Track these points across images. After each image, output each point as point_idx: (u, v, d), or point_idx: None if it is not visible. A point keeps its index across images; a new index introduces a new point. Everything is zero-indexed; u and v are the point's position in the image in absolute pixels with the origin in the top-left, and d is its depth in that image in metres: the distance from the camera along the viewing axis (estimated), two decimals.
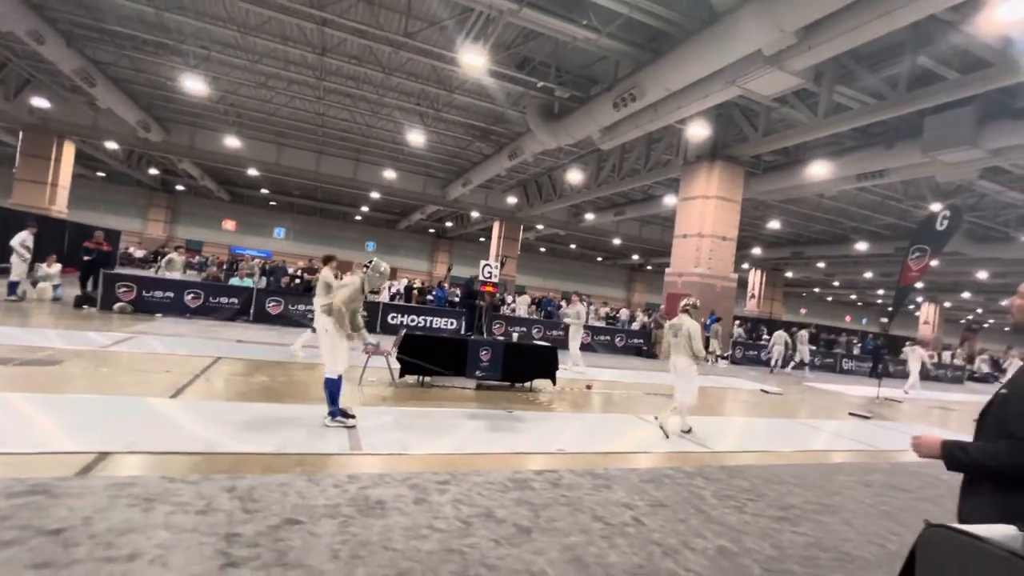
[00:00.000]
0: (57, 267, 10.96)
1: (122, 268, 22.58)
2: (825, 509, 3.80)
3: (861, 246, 23.74)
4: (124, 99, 17.48)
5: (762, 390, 10.46)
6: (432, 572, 2.31)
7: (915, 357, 13.60)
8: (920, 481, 4.92)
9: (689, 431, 5.56)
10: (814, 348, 17.08)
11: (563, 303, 23.00)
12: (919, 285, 11.15)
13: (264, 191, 33.99)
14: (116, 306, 9.82)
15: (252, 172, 24.71)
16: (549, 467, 4.00)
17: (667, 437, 5.31)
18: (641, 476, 4.04)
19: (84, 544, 2.19)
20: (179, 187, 34.45)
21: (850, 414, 8.69)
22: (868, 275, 31.41)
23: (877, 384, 11.56)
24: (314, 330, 7.43)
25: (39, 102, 18.20)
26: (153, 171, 29.68)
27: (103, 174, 31.70)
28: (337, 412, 4.29)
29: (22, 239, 9.82)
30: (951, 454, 1.62)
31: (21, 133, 20.04)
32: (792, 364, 15.27)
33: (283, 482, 3.08)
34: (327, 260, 6.71)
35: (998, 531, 0.82)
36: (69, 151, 21.39)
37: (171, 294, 10.39)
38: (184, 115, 20.53)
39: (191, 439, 3.64)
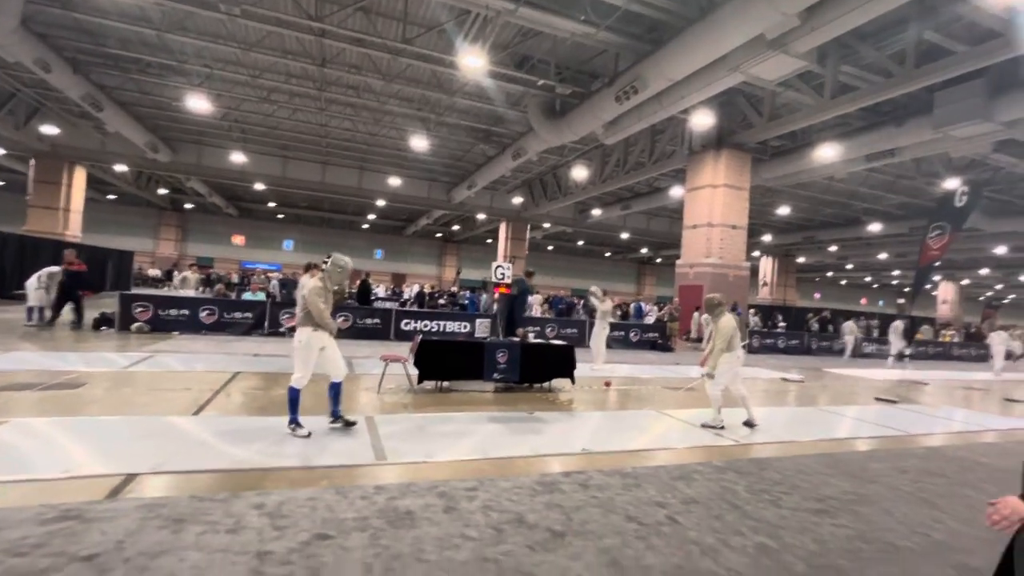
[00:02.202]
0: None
1: (138, 288, 22.89)
2: (862, 499, 3.70)
3: (874, 227, 23.39)
4: (131, 122, 17.72)
5: (783, 378, 10.31)
6: None
7: (999, 340, 13.87)
8: (956, 466, 4.79)
9: (719, 427, 5.48)
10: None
11: (576, 300, 22.90)
12: (938, 264, 10.92)
13: (271, 204, 34.28)
14: (134, 326, 9.91)
15: (259, 186, 24.92)
16: (576, 468, 3.95)
17: (756, 426, 5.55)
18: (671, 473, 3.97)
19: (118, 569, 2.17)
20: (188, 205, 34.87)
21: (876, 399, 8.53)
22: (882, 256, 30.93)
23: (902, 367, 11.37)
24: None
25: (48, 129, 18.51)
26: (162, 191, 30.09)
27: (114, 196, 32.17)
28: (294, 420, 4.23)
29: (50, 271, 9.83)
30: None
31: (32, 161, 20.39)
32: (891, 357, 14.85)
33: (311, 496, 3.05)
34: (308, 268, 6.71)
35: None
36: (80, 176, 21.73)
37: (186, 311, 10.48)
38: (190, 134, 20.76)
39: (216, 456, 3.63)
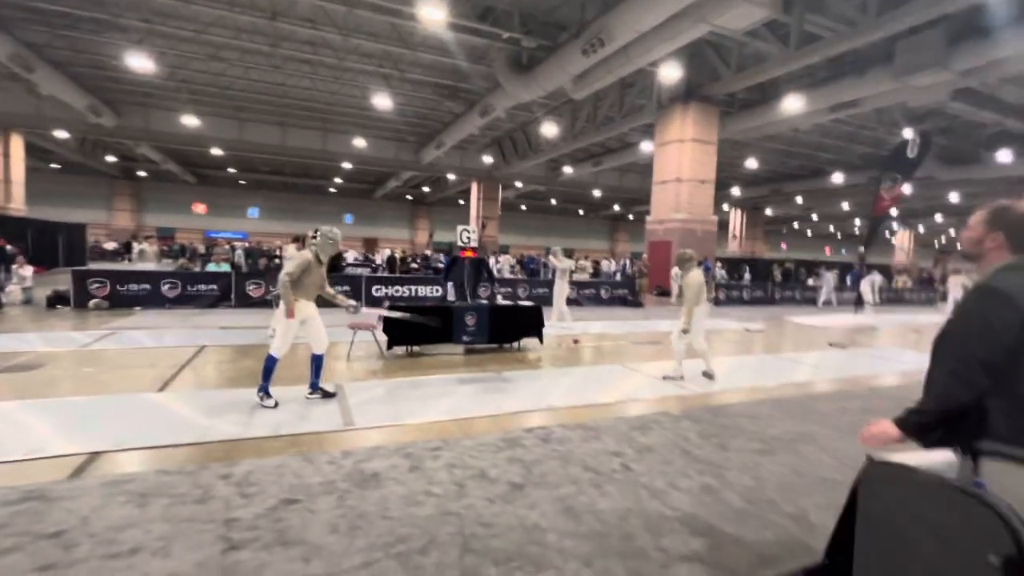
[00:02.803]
0: (29, 269, 10.63)
1: (95, 263, 21.98)
2: (802, 438, 4.00)
3: (837, 178, 23.93)
4: (67, 83, 16.50)
5: (745, 329, 10.75)
6: (430, 535, 2.40)
7: (955, 284, 14.37)
8: (894, 404, 5.13)
9: (679, 377, 5.74)
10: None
11: (547, 259, 23.05)
12: (893, 212, 11.33)
13: (231, 170, 32.85)
14: (91, 303, 9.61)
15: (215, 151, 23.79)
16: (539, 424, 4.12)
17: (713, 378, 5.81)
18: (630, 424, 4.19)
19: (84, 544, 2.23)
20: (141, 173, 33.12)
21: (829, 344, 9.01)
22: (845, 206, 31.81)
23: (854, 314, 11.94)
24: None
25: None
26: (111, 158, 28.44)
27: (57, 166, 30.29)
28: (265, 389, 4.26)
29: None
30: (908, 424, 1.53)
31: None
32: (866, 305, 14.78)
33: (279, 464, 3.14)
34: (296, 240, 6.62)
35: (935, 458, 0.87)
36: (17, 144, 20.34)
37: (147, 286, 10.18)
38: (134, 95, 19.47)
39: (182, 430, 3.66)
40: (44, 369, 5.24)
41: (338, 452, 3.37)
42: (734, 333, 10.19)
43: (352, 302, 4.79)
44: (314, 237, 4.52)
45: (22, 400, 4.20)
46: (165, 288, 10.27)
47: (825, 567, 0.89)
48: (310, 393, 4.53)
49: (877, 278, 15.27)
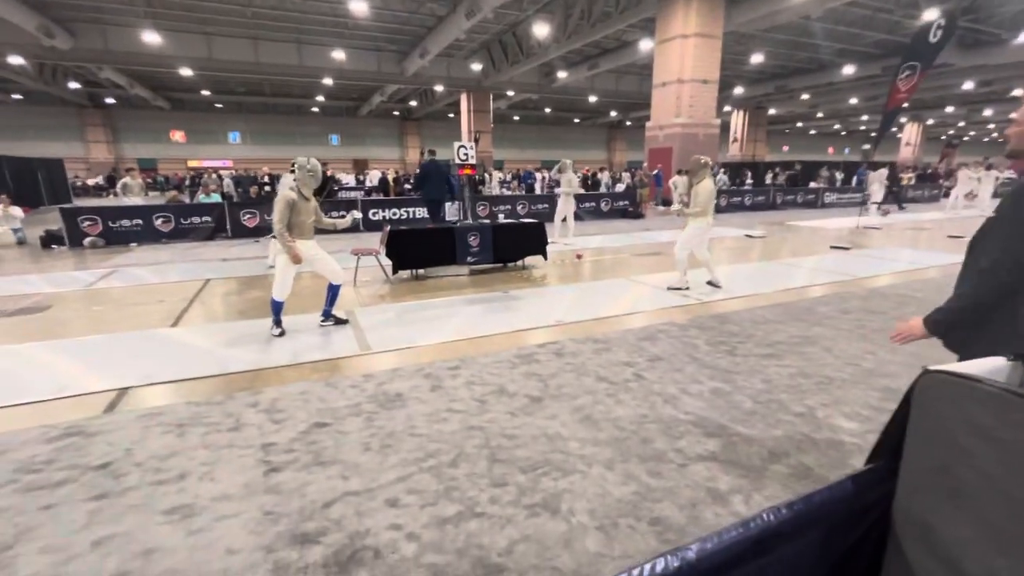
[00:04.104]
0: (17, 209, 10.34)
1: (80, 199, 21.39)
2: (807, 341, 4.12)
3: (848, 70, 22.61)
4: (12, 1, 14.99)
5: (747, 235, 10.71)
6: (458, 449, 2.54)
7: (988, 180, 14.06)
8: (894, 303, 5.27)
9: (684, 288, 5.80)
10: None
11: (545, 173, 22.42)
12: (905, 106, 10.78)
13: (206, 93, 30.91)
14: (87, 241, 9.47)
15: (185, 72, 22.18)
16: (551, 339, 4.22)
17: (720, 287, 5.83)
18: (638, 335, 4.29)
19: (133, 473, 2.36)
20: (109, 100, 31.19)
21: (831, 247, 9.02)
22: (853, 101, 30.39)
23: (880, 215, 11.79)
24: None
25: None
26: (74, 85, 26.59)
27: (19, 96, 28.45)
28: (276, 322, 4.33)
29: None
30: (932, 322, 1.63)
31: None
32: (874, 205, 14.34)
33: (303, 390, 3.24)
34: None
35: (988, 365, 0.87)
36: None
37: (140, 221, 9.97)
38: (86, 11, 17.77)
39: (203, 363, 3.75)
40: (53, 310, 5.27)
41: (359, 376, 3.47)
42: (735, 240, 10.17)
43: (355, 215, 4.76)
44: (292, 172, 4.31)
45: (40, 342, 4.26)
46: (159, 223, 10.07)
47: (870, 472, 0.92)
48: (323, 321, 4.60)
49: (884, 171, 14.70)
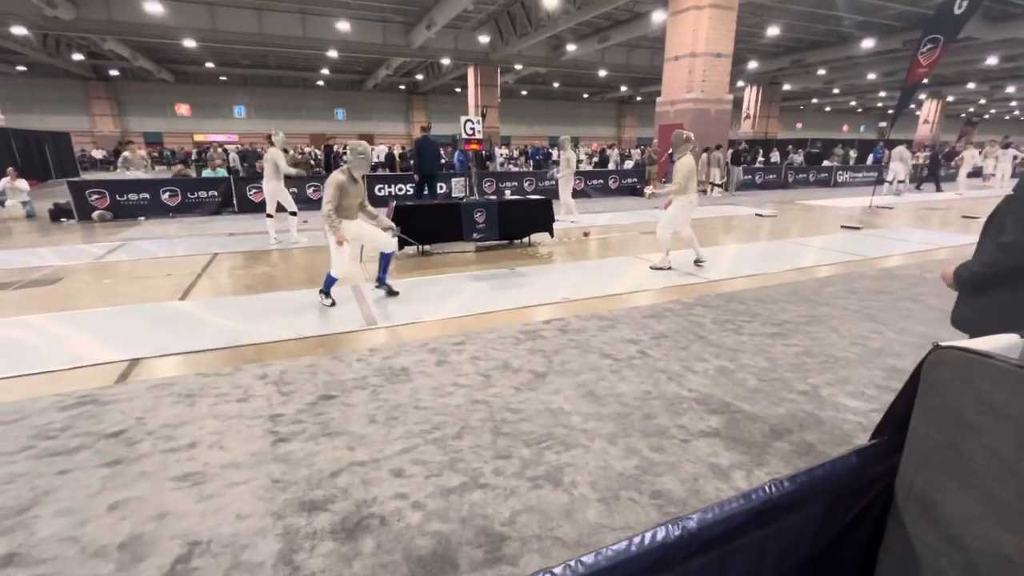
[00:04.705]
0: (23, 182, 10.37)
1: (87, 173, 21.42)
2: (813, 320, 4.09)
3: (868, 43, 21.88)
4: None
5: (756, 214, 10.57)
6: (463, 422, 2.57)
7: (1006, 158, 13.62)
8: (902, 283, 5.21)
9: (667, 267, 5.71)
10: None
11: (552, 150, 22.12)
12: (925, 82, 10.45)
13: (210, 65, 30.50)
14: (95, 214, 9.50)
15: (188, 43, 21.87)
16: (556, 316, 4.22)
17: (704, 262, 5.82)
18: (643, 313, 4.28)
19: (145, 440, 2.41)
20: (114, 72, 30.90)
21: (842, 227, 8.89)
22: (871, 77, 29.49)
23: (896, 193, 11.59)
24: (294, 213, 7.30)
25: None
26: (78, 56, 26.31)
27: (24, 68, 28.23)
28: (325, 291, 4.50)
29: None
30: (957, 275, 1.75)
31: None
32: (897, 183, 13.97)
33: (310, 363, 3.28)
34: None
35: (1001, 342, 0.85)
36: None
37: (147, 195, 9.98)
38: None
39: (212, 336, 3.79)
40: (64, 282, 5.32)
41: (365, 350, 3.50)
42: (745, 219, 10.04)
43: (390, 224, 4.97)
44: (344, 157, 4.50)
45: (52, 313, 4.32)
46: (165, 196, 10.08)
47: (875, 447, 0.92)
48: (377, 286, 4.93)
49: (903, 149, 14.20)
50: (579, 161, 11.22)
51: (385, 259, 4.77)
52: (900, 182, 14.01)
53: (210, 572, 1.66)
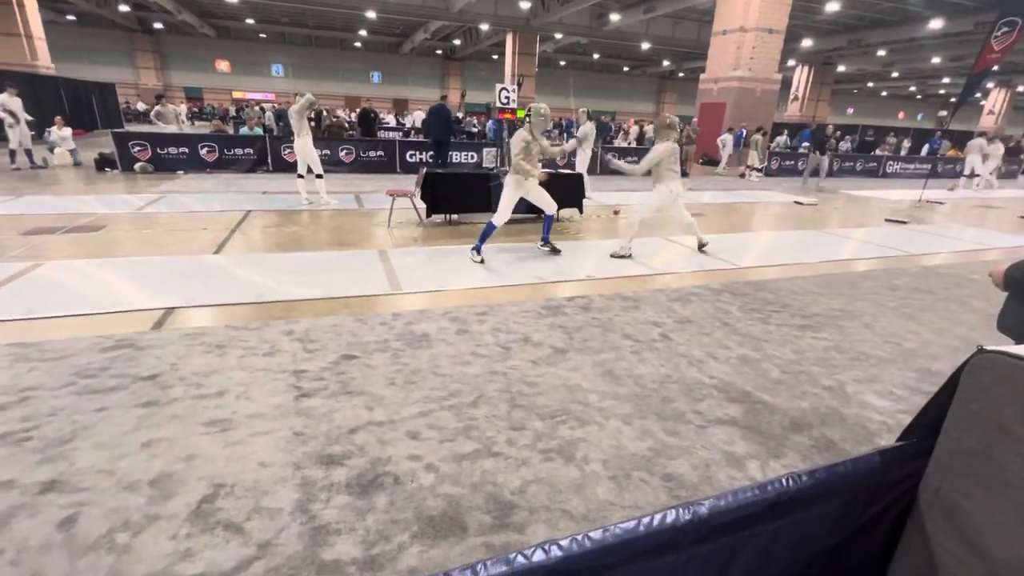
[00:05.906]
0: (68, 130, 10.72)
1: (129, 125, 21.98)
2: (847, 315, 3.96)
3: (935, 23, 20.38)
4: None
5: (795, 201, 10.17)
6: (479, 391, 2.60)
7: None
8: (947, 283, 4.97)
9: (627, 255, 5.40)
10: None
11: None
12: (995, 69, 9.66)
13: (250, 21, 30.61)
14: (137, 166, 9.79)
15: None
16: (580, 293, 4.19)
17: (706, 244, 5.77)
18: (669, 296, 4.21)
19: (177, 386, 2.52)
20: (157, 25, 31.32)
21: (886, 220, 8.49)
22: (936, 60, 27.59)
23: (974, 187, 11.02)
24: (320, 176, 7.33)
25: None
26: (124, 7, 26.71)
27: (72, 17, 28.84)
28: (477, 247, 4.97)
29: (2, 103, 9.37)
30: (1008, 275, 1.69)
31: None
32: (977, 178, 13.27)
33: (335, 323, 3.35)
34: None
35: None
36: None
37: (186, 150, 10.21)
38: None
39: (243, 290, 3.90)
40: (107, 230, 5.54)
41: (388, 314, 3.56)
42: (783, 206, 9.68)
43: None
44: (528, 117, 4.88)
45: (95, 259, 4.51)
46: (204, 152, 10.29)
47: (902, 448, 0.89)
48: (542, 244, 5.44)
49: (980, 140, 12.98)
50: (611, 138, 10.87)
51: (548, 220, 5.29)
52: (978, 176, 13.13)
53: (232, 513, 1.75)
